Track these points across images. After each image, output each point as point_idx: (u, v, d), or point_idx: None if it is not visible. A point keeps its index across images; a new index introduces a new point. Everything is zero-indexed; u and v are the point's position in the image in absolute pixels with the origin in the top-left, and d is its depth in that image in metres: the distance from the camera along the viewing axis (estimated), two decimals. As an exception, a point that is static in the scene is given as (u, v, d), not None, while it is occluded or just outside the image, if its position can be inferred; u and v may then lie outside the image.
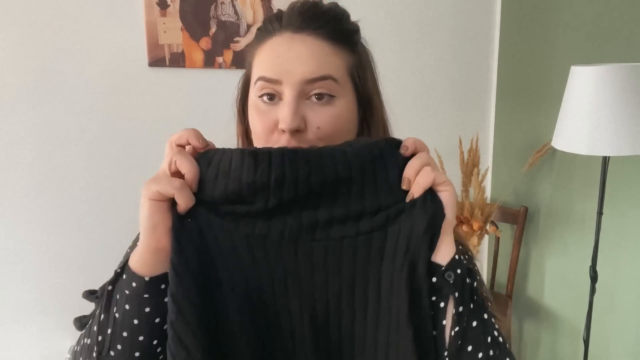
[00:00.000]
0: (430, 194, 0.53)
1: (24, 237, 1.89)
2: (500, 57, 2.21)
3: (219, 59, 1.96)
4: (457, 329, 0.53)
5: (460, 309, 0.53)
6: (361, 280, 0.53)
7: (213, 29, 1.94)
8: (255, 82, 0.63)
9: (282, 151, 0.51)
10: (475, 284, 0.56)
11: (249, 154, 0.50)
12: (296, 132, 0.60)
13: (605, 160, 1.56)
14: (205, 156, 0.53)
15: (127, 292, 0.52)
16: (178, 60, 1.93)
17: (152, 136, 1.96)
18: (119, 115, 1.92)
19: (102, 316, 0.54)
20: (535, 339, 2.18)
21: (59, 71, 1.84)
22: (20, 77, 1.82)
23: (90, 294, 0.61)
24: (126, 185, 1.95)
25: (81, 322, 0.61)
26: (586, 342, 1.70)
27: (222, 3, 1.92)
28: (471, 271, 0.56)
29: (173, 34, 1.90)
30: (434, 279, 0.53)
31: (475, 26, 2.18)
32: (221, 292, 0.51)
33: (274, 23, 0.64)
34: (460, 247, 0.69)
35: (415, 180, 0.52)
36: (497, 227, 2.17)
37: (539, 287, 2.13)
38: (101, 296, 0.56)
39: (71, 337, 1.98)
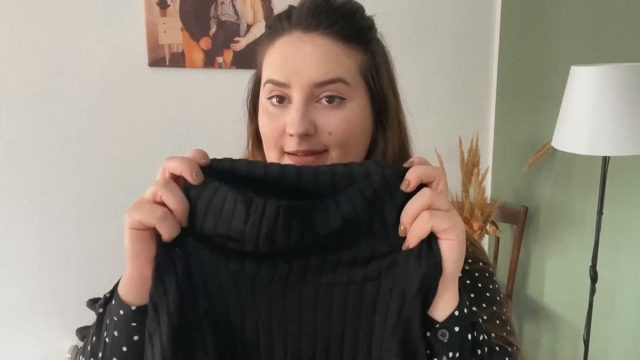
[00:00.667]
0: (428, 244, 0.47)
1: (24, 237, 1.89)
2: (500, 57, 2.21)
3: (219, 59, 1.96)
4: None
5: None
6: (351, 332, 0.49)
7: (213, 29, 1.94)
8: (265, 84, 0.61)
9: (278, 206, 0.46)
10: (482, 336, 0.50)
11: (242, 201, 0.46)
12: (305, 136, 0.58)
13: (605, 160, 1.56)
14: (197, 189, 0.48)
15: (115, 318, 0.50)
16: (178, 60, 1.93)
17: (152, 136, 1.97)
18: (119, 115, 1.92)
19: (94, 338, 0.53)
20: (535, 339, 2.18)
21: (59, 71, 1.84)
22: (20, 77, 1.82)
23: (93, 303, 0.60)
24: (126, 185, 1.95)
25: (82, 334, 0.60)
26: (586, 342, 1.70)
27: (222, 3, 1.92)
28: (476, 325, 0.50)
29: (173, 34, 1.90)
30: (428, 334, 0.47)
31: (475, 26, 2.18)
32: (200, 329, 0.48)
33: (283, 21, 0.61)
34: (474, 267, 0.66)
35: (411, 227, 0.47)
36: (497, 227, 2.17)
37: (539, 287, 2.13)
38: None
39: (71, 337, 1.98)
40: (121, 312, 0.49)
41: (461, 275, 0.62)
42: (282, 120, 0.59)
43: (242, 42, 1.96)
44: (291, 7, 0.62)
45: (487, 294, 0.64)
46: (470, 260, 0.66)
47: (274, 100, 0.60)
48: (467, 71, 2.22)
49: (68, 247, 1.94)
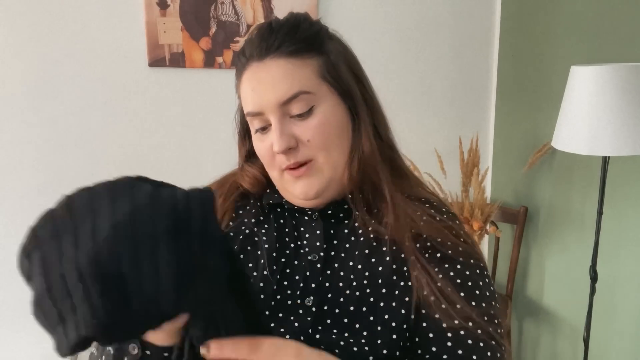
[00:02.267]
0: None
1: (24, 237, 1.89)
2: (500, 57, 2.21)
3: (219, 59, 1.96)
4: None
5: None
6: None
7: (213, 29, 1.94)
8: (246, 118, 0.68)
9: None
10: None
11: None
12: (289, 150, 0.65)
13: (605, 160, 1.56)
14: None
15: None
16: (178, 60, 1.93)
17: (152, 136, 1.97)
18: (119, 115, 1.92)
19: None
20: (535, 339, 2.18)
21: (59, 71, 1.84)
22: (20, 77, 1.82)
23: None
24: (126, 185, 1.95)
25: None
26: (586, 342, 1.70)
27: (222, 3, 1.92)
28: None
29: (173, 34, 1.90)
30: None
31: (475, 26, 2.18)
32: None
33: (241, 56, 0.68)
34: (468, 259, 0.67)
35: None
36: (497, 227, 2.17)
37: (539, 287, 2.13)
38: None
39: (71, 337, 1.98)
40: (147, 352, 0.50)
41: (452, 274, 0.65)
42: (269, 143, 0.66)
43: (242, 42, 1.96)
44: (245, 42, 0.69)
45: (477, 292, 0.65)
46: (461, 259, 0.67)
47: (260, 131, 0.67)
48: (467, 71, 2.22)
49: (68, 247, 1.94)
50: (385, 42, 2.07)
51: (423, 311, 0.63)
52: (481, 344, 0.60)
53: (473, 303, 0.63)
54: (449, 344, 0.61)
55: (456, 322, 0.61)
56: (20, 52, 1.80)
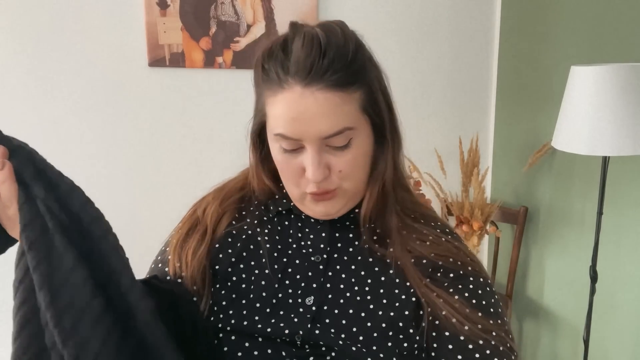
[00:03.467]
0: None
1: (24, 237, 1.89)
2: (500, 57, 2.21)
3: (219, 59, 1.96)
4: None
5: None
6: None
7: (213, 29, 1.94)
8: (275, 135, 0.65)
9: None
10: None
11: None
12: (322, 180, 0.65)
13: (605, 160, 1.56)
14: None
15: None
16: (178, 60, 1.93)
17: (152, 136, 1.97)
18: (119, 115, 1.92)
19: None
20: (535, 339, 2.18)
21: (59, 71, 1.84)
22: (20, 77, 1.82)
23: None
24: (126, 185, 1.95)
25: None
26: (586, 342, 1.70)
27: (222, 3, 1.92)
28: None
29: (173, 34, 1.90)
30: None
31: (475, 26, 2.18)
32: None
33: (280, 69, 0.62)
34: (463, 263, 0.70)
35: None
36: (497, 227, 2.17)
37: (539, 287, 2.13)
38: None
39: (71, 337, 1.98)
40: None
41: (467, 294, 0.67)
42: (299, 163, 0.65)
43: (242, 42, 1.96)
44: (279, 51, 0.62)
45: (492, 309, 0.67)
46: (472, 278, 0.68)
47: (287, 152, 0.65)
48: (467, 71, 2.22)
49: (68, 247, 1.94)
50: (385, 42, 2.07)
51: (447, 333, 0.64)
52: (502, 351, 0.63)
53: (491, 321, 0.65)
54: (471, 350, 0.63)
55: (481, 342, 0.63)
56: (20, 52, 1.80)
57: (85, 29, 1.84)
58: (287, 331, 0.63)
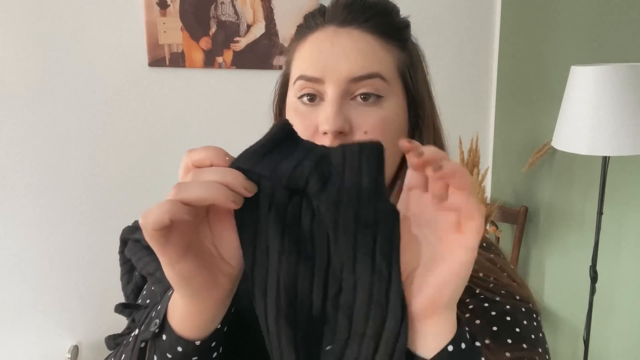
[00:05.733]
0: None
1: (24, 237, 1.89)
2: (500, 57, 2.21)
3: (219, 59, 1.96)
4: None
5: None
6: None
7: (213, 29, 1.94)
8: (295, 82, 0.57)
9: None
10: None
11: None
12: (340, 134, 0.53)
13: (605, 160, 1.56)
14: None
15: (169, 355, 0.43)
16: (178, 60, 1.93)
17: (152, 136, 1.97)
18: (119, 115, 1.92)
19: None
20: (535, 339, 2.18)
21: (59, 71, 1.84)
22: (20, 77, 1.82)
23: (124, 308, 0.57)
24: (126, 185, 1.95)
25: (115, 342, 0.57)
26: (586, 342, 1.69)
27: (222, 3, 1.92)
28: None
29: (173, 34, 1.90)
30: None
31: (475, 26, 2.18)
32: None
33: (316, 18, 0.58)
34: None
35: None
36: (497, 227, 2.17)
37: (539, 287, 2.13)
38: (127, 344, 0.49)
39: (71, 337, 1.98)
40: (179, 348, 0.42)
41: (486, 305, 0.56)
42: (315, 119, 0.55)
43: (242, 42, 1.96)
44: (324, 6, 0.60)
45: (517, 330, 0.55)
46: (508, 307, 0.57)
47: (305, 98, 0.56)
48: (467, 71, 2.22)
49: (68, 247, 1.94)
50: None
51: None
52: None
53: (509, 341, 0.55)
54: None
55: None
56: (20, 52, 1.80)
57: (85, 29, 1.84)
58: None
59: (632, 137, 1.38)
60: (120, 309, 0.58)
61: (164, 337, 0.43)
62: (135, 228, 0.68)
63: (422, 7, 2.10)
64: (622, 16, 1.67)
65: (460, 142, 2.09)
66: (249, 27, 1.96)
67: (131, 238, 0.67)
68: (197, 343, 0.42)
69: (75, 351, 1.96)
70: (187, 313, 0.42)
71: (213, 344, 0.44)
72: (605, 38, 1.74)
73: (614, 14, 1.70)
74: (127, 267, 0.70)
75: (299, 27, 0.60)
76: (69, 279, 1.95)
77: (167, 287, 0.54)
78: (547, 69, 1.97)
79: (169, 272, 0.39)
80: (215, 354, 0.44)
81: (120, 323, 0.64)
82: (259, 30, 1.96)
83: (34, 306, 1.94)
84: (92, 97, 1.88)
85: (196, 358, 0.43)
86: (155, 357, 0.44)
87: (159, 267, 0.58)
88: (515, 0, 2.12)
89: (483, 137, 2.25)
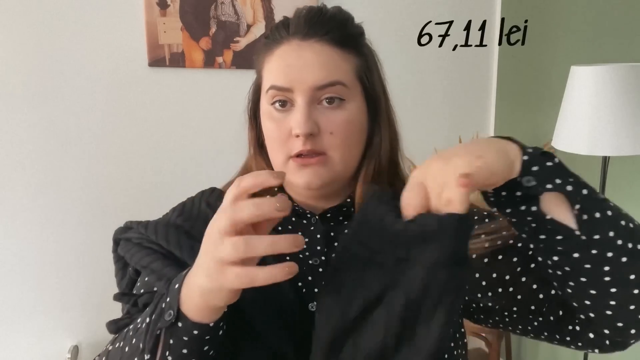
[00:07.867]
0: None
1: (24, 237, 1.89)
2: (500, 57, 2.21)
3: (219, 59, 1.96)
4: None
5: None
6: None
7: (213, 29, 1.94)
8: (267, 91, 0.65)
9: None
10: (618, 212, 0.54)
11: None
12: (310, 135, 0.62)
13: (605, 160, 1.56)
14: None
15: (185, 338, 0.51)
16: (178, 60, 1.93)
17: (152, 136, 1.97)
18: (119, 115, 1.92)
19: (149, 356, 0.53)
20: (535, 339, 2.18)
21: (59, 71, 1.84)
22: (20, 77, 1.82)
23: (123, 296, 0.63)
24: (126, 185, 1.95)
25: (117, 326, 0.62)
26: (586, 342, 1.69)
27: (222, 3, 1.92)
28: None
29: (173, 34, 1.90)
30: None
31: (475, 26, 2.18)
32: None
33: (281, 31, 0.66)
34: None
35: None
36: (497, 227, 2.17)
37: (539, 287, 2.13)
38: (138, 333, 0.55)
39: (71, 337, 1.98)
40: (195, 331, 0.51)
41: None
42: (287, 123, 0.63)
43: (242, 42, 1.96)
44: (287, 18, 0.68)
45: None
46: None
47: (277, 105, 0.64)
48: (467, 71, 2.22)
49: (68, 247, 1.94)
50: (385, 42, 2.07)
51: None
52: None
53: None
54: None
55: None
56: (20, 52, 1.80)
57: (85, 29, 1.84)
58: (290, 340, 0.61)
59: (632, 137, 1.38)
60: (119, 297, 0.65)
61: (179, 324, 0.51)
62: (126, 228, 0.76)
63: (422, 7, 2.10)
64: (622, 16, 1.67)
65: (460, 142, 2.09)
66: (249, 27, 1.96)
67: (122, 237, 0.74)
68: (211, 325, 0.51)
69: (75, 351, 1.96)
70: (206, 308, 0.50)
71: (221, 323, 0.53)
72: (605, 38, 1.74)
73: (614, 14, 1.70)
74: (121, 264, 0.75)
75: (267, 39, 0.68)
76: (69, 279, 1.95)
77: (166, 278, 0.61)
78: (547, 69, 1.97)
79: (222, 293, 0.47)
80: (221, 332, 0.54)
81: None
82: (259, 30, 1.96)
83: (34, 306, 1.94)
84: (92, 97, 1.88)
85: (209, 337, 0.52)
86: (171, 341, 0.52)
87: (152, 260, 0.66)
88: (515, 0, 2.12)
89: (483, 137, 2.25)
